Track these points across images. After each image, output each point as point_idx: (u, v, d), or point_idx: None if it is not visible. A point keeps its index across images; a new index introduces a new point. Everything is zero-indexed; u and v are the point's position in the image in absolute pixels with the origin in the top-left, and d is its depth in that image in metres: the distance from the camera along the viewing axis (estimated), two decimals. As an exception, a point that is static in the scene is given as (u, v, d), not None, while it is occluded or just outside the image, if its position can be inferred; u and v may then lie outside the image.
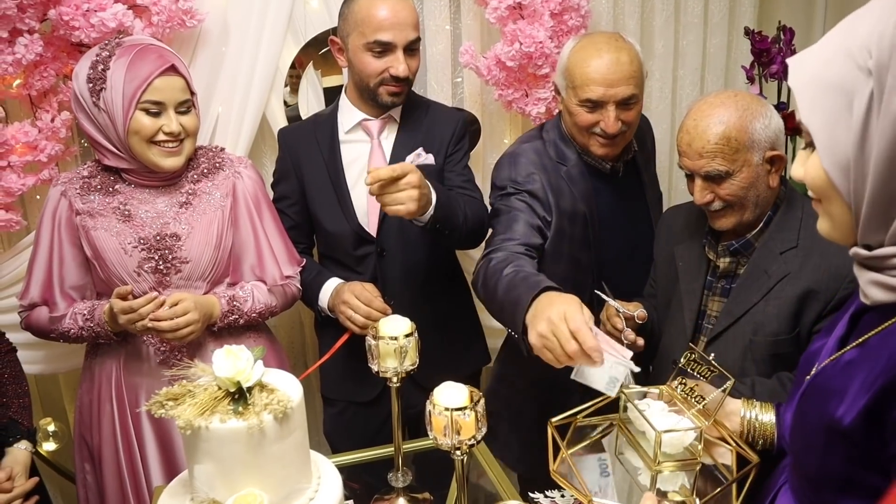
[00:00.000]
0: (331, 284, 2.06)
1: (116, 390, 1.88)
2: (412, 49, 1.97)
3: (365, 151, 2.08)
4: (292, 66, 2.35)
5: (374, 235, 2.07)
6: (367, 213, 2.08)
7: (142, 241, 1.79)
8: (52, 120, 2.10)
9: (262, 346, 1.35)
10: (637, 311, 1.80)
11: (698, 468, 1.30)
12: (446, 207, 1.86)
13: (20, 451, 1.72)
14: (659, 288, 1.93)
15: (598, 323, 1.89)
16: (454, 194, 2.00)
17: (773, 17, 2.74)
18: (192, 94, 1.81)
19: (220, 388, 1.21)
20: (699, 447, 1.29)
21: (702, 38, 2.81)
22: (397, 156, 2.04)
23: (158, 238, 1.80)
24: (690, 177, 1.67)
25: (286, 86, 2.36)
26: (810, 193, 1.01)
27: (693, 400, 1.35)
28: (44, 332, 1.88)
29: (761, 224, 1.65)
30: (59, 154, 2.14)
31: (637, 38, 2.62)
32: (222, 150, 1.98)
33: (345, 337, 2.04)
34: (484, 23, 2.41)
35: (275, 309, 1.96)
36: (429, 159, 1.92)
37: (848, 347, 1.01)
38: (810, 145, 0.95)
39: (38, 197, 2.24)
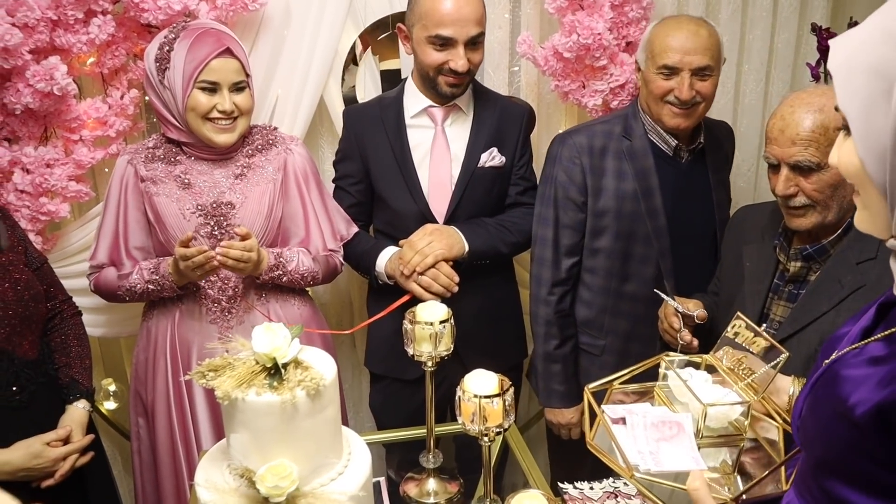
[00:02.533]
0: (389, 251, 2.11)
1: (171, 347, 2.01)
2: (475, 43, 2.00)
3: (429, 137, 2.13)
4: (351, 50, 2.39)
5: (442, 218, 2.12)
6: (431, 194, 2.13)
7: (199, 208, 1.94)
8: (122, 97, 2.20)
9: (301, 325, 1.40)
10: (697, 310, 1.78)
11: (743, 445, 1.23)
12: (485, 251, 2.12)
13: (78, 409, 1.82)
14: (723, 287, 1.90)
15: (656, 319, 1.90)
16: (495, 230, 2.13)
17: (845, 12, 2.64)
18: (247, 75, 1.93)
19: (257, 363, 1.27)
20: (745, 423, 1.22)
21: (769, 32, 2.73)
22: (471, 150, 2.11)
23: (215, 205, 1.94)
24: (775, 168, 1.60)
25: (344, 68, 2.40)
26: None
27: (741, 372, 1.27)
28: (111, 290, 2.01)
29: (840, 231, 1.57)
30: (126, 129, 2.24)
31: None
32: (275, 129, 2.09)
33: (405, 298, 2.06)
34: (543, 13, 2.40)
35: (317, 276, 2.06)
36: (500, 160, 2.11)
37: (872, 339, 0.98)
38: (846, 129, 0.92)
39: (106, 170, 2.35)
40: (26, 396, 1.72)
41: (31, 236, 2.18)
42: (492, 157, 2.10)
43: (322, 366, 1.30)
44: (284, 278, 1.99)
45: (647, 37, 2.02)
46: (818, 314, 1.56)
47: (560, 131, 2.61)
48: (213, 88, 1.87)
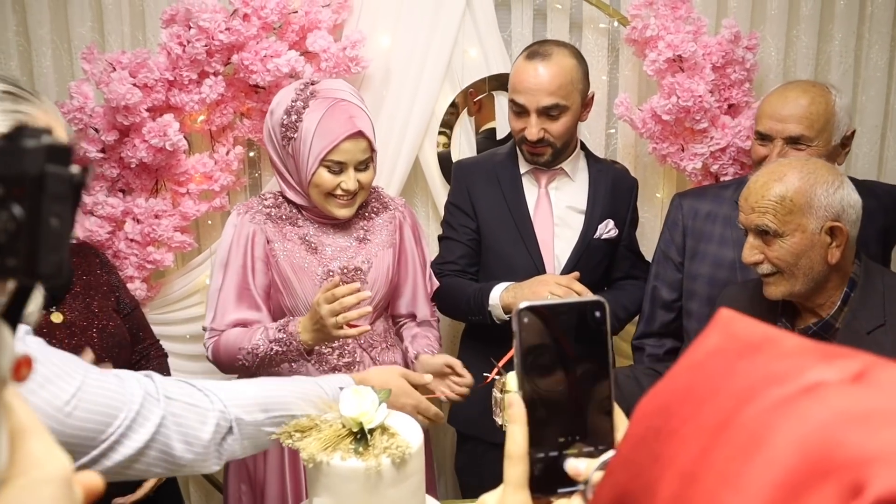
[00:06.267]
0: (502, 285, 2.01)
1: None
2: (551, 115, 1.94)
3: (533, 197, 2.11)
4: (451, 106, 2.42)
5: (555, 272, 2.08)
6: (545, 245, 2.09)
7: (330, 274, 1.85)
8: (227, 153, 2.30)
9: (389, 389, 1.38)
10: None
11: None
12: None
13: None
14: None
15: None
16: (612, 296, 2.08)
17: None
18: (373, 150, 1.85)
19: (343, 426, 1.26)
20: None
21: (884, 93, 2.60)
22: (589, 220, 2.09)
23: (345, 271, 1.86)
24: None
25: (440, 128, 2.43)
26: None
27: None
28: (231, 353, 1.80)
29: (839, 302, 1.53)
30: (230, 184, 2.33)
31: (809, 92, 2.47)
32: (380, 188, 2.07)
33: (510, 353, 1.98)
34: (642, 74, 2.37)
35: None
36: (615, 233, 2.10)
37: None
38: None
39: (209, 222, 2.45)
40: None
41: (137, 283, 2.29)
42: (608, 230, 2.09)
43: (409, 433, 1.27)
44: None
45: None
46: None
47: (657, 194, 2.56)
48: (338, 169, 1.78)
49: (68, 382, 1.02)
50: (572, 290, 1.83)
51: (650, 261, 2.17)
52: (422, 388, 1.55)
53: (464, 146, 2.45)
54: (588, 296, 1.72)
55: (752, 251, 1.56)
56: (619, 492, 0.44)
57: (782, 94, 1.88)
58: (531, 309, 0.62)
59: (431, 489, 2.04)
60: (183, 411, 1.15)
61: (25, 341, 1.00)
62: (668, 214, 2.08)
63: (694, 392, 0.42)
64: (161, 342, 2.06)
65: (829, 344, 0.42)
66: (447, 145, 2.45)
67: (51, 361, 1.02)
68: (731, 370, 0.41)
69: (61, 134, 1.14)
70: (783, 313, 1.64)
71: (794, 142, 1.84)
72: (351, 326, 1.66)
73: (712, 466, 0.37)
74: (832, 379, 0.37)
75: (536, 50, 1.94)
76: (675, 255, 2.03)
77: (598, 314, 0.63)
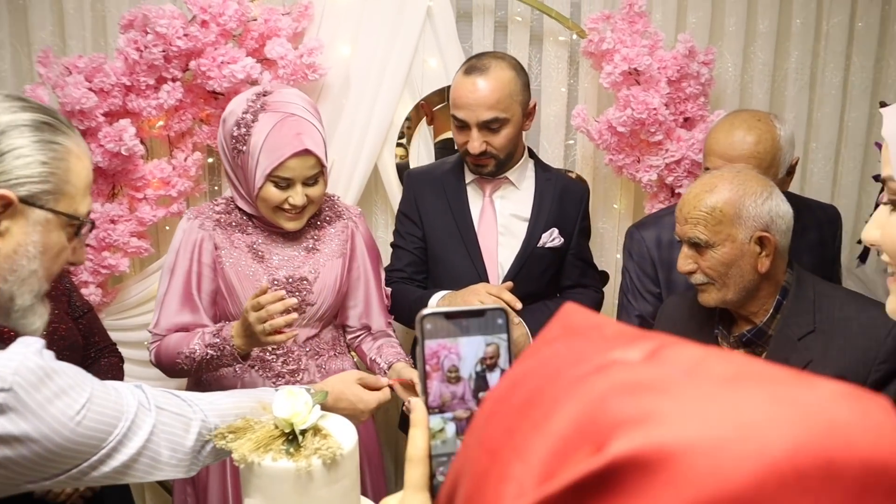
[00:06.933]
0: (440, 293, 2.03)
1: None
2: (491, 128, 1.93)
3: (478, 206, 2.12)
4: (407, 120, 2.44)
5: (498, 279, 2.08)
6: (488, 253, 2.09)
7: (275, 283, 1.84)
8: (186, 159, 2.30)
9: (325, 391, 1.38)
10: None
11: None
12: None
13: None
14: None
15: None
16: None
17: (923, 91, 2.55)
18: (323, 166, 1.81)
19: (276, 427, 1.26)
20: None
21: (839, 110, 2.65)
22: (532, 229, 2.08)
23: (290, 281, 1.85)
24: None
25: (399, 138, 2.45)
26: (884, 259, 0.91)
27: None
28: (171, 357, 1.81)
29: (772, 310, 1.56)
30: (188, 190, 2.33)
31: (766, 108, 2.52)
32: (336, 197, 2.04)
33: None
34: (601, 87, 2.40)
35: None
36: (560, 241, 2.08)
37: None
38: (895, 204, 0.86)
39: (167, 228, 2.45)
40: None
41: (92, 288, 2.28)
42: (552, 239, 2.07)
43: (342, 435, 1.27)
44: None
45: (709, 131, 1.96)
46: None
47: (615, 205, 2.59)
48: (285, 185, 1.76)
49: (80, 394, 1.09)
50: (501, 299, 1.84)
51: (604, 270, 2.18)
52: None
53: (422, 156, 2.47)
54: (490, 303, 1.72)
55: (685, 261, 1.59)
56: (454, 476, 0.45)
57: (728, 132, 1.84)
58: (433, 315, 0.63)
59: (382, 490, 2.04)
60: (170, 420, 1.21)
61: (43, 355, 1.08)
62: (632, 249, 2.04)
63: (520, 376, 0.43)
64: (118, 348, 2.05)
65: (649, 330, 0.44)
66: (404, 156, 2.47)
67: (65, 373, 1.10)
68: (553, 355, 0.42)
69: (89, 166, 1.17)
70: (720, 321, 1.66)
71: None
72: (280, 332, 1.65)
73: (511, 441, 0.38)
74: (631, 359, 0.38)
75: (474, 64, 1.94)
76: (652, 287, 2.01)
77: (499, 321, 0.65)
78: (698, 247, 1.55)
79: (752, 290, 1.55)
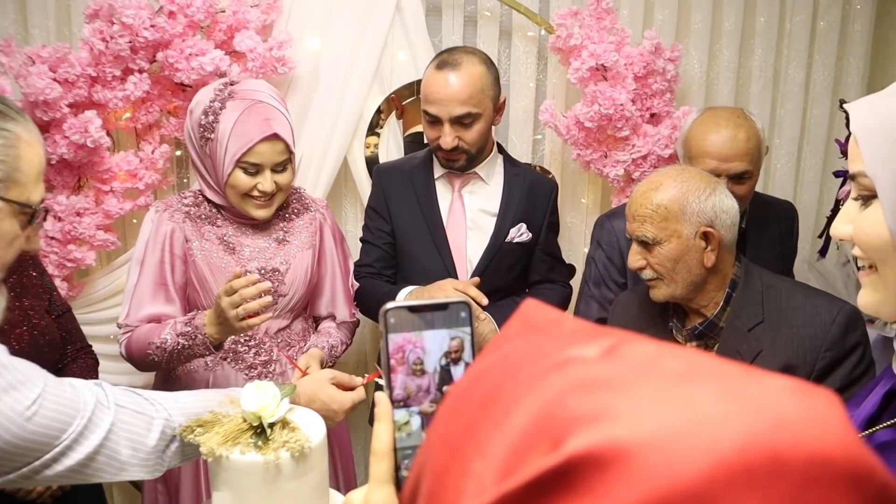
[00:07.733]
0: (408, 288, 2.05)
1: None
2: (464, 123, 1.94)
3: (447, 201, 2.12)
4: (376, 113, 2.44)
5: (467, 274, 2.09)
6: (457, 248, 2.10)
7: (248, 275, 1.78)
8: (153, 152, 2.28)
9: (293, 385, 1.39)
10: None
11: None
12: None
13: None
14: None
15: None
16: None
17: (881, 88, 2.61)
18: (291, 153, 1.83)
19: (244, 421, 1.26)
20: None
21: (801, 107, 2.71)
22: (500, 224, 2.08)
23: (262, 272, 1.85)
24: None
25: (368, 131, 2.45)
26: (856, 253, 0.91)
27: None
28: (142, 349, 1.79)
29: (722, 302, 1.60)
30: (155, 183, 2.31)
31: (731, 104, 2.56)
32: (301, 189, 2.05)
33: None
34: (569, 82, 2.42)
35: (348, 344, 2.05)
36: (528, 237, 2.09)
37: (880, 427, 0.92)
38: (864, 199, 0.85)
39: (134, 221, 2.42)
40: None
41: (58, 282, 2.25)
42: (520, 234, 2.09)
43: (310, 428, 1.28)
44: (331, 363, 1.93)
45: (684, 132, 1.95)
46: None
47: (583, 200, 2.62)
48: (254, 171, 1.77)
49: (31, 389, 1.06)
50: (467, 294, 1.85)
51: (571, 264, 2.20)
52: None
53: (392, 149, 2.47)
54: (454, 297, 1.73)
55: (635, 258, 1.62)
56: (418, 470, 0.46)
57: (717, 132, 1.85)
58: (397, 309, 0.63)
59: (353, 482, 2.05)
60: (131, 418, 1.19)
61: None
62: (602, 238, 2.06)
63: (481, 372, 0.44)
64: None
65: (607, 327, 0.45)
66: (375, 148, 2.47)
67: (15, 368, 1.06)
68: (513, 351, 0.43)
69: (41, 153, 1.15)
70: (674, 314, 1.70)
71: (738, 178, 1.85)
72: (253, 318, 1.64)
73: (472, 437, 0.39)
74: (588, 355, 0.39)
75: (446, 59, 1.94)
76: (618, 277, 2.03)
77: (463, 314, 0.66)
78: (646, 244, 1.58)
79: (699, 284, 1.58)
